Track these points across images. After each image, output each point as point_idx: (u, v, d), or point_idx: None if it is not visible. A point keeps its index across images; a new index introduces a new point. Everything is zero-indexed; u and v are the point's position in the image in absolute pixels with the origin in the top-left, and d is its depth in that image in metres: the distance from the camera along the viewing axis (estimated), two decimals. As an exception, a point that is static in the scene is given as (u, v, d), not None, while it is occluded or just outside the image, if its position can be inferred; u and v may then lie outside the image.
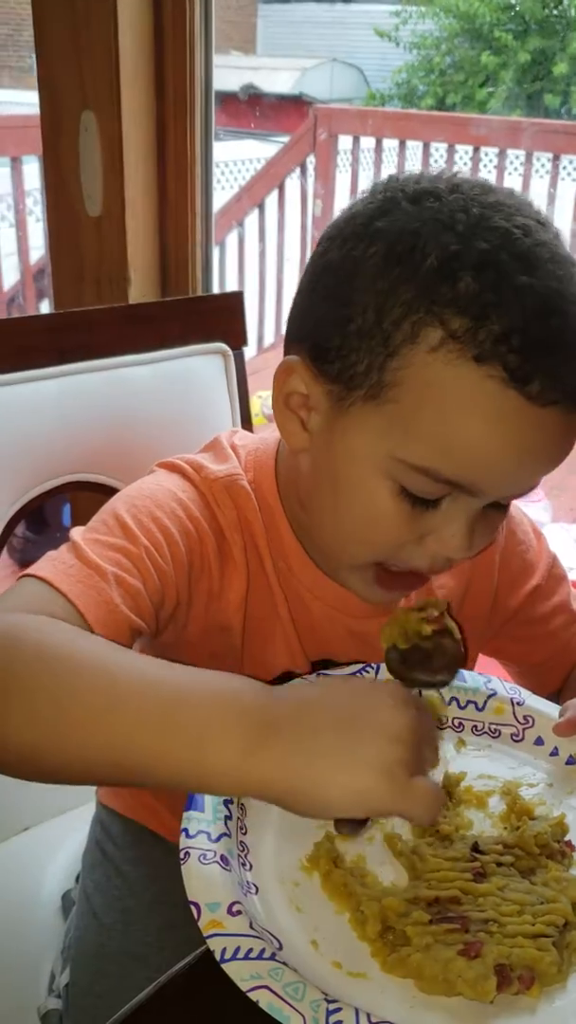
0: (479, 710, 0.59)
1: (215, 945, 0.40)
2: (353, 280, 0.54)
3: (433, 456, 0.52)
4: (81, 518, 0.61)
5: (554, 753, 0.57)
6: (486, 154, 3.54)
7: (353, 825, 0.45)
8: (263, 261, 3.62)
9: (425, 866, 0.46)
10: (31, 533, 1.96)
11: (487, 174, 3.56)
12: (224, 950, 0.40)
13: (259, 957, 0.40)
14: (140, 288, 1.06)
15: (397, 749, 0.44)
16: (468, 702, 0.59)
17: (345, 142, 3.83)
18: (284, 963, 0.40)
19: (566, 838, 0.50)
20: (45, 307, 3.23)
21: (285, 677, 0.61)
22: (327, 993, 0.39)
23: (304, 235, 3.90)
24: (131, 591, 0.54)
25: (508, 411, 0.50)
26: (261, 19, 10.09)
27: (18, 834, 0.96)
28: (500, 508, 0.57)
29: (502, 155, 3.43)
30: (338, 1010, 0.38)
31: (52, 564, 0.54)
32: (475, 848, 0.48)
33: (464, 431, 0.51)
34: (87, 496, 0.97)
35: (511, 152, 3.46)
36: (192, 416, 0.98)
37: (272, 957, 0.40)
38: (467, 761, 0.56)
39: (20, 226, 3.04)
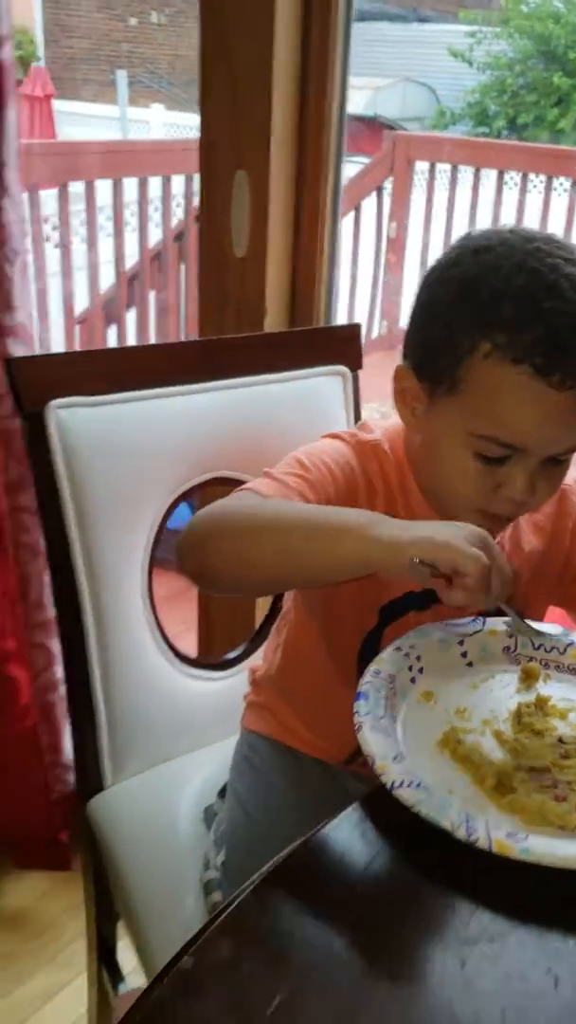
0: (561, 654, 0.78)
1: (386, 779, 0.61)
2: (435, 313, 0.79)
3: (491, 427, 0.75)
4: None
5: (620, 688, 0.76)
6: (560, 183, 3.69)
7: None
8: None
9: (524, 749, 0.66)
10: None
11: (559, 200, 3.72)
12: (393, 782, 0.60)
13: (417, 787, 0.60)
14: (273, 318, 1.28)
15: (471, 531, 0.67)
16: (552, 647, 0.78)
17: (421, 164, 4.00)
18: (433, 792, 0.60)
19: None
20: (131, 315, 3.46)
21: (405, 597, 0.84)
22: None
23: (377, 256, 4.08)
24: (306, 500, 0.78)
25: (537, 395, 0.73)
26: (336, 38, 10.24)
27: (157, 765, 1.15)
28: (558, 463, 0.79)
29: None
30: (474, 819, 0.58)
31: (253, 482, 0.79)
32: (560, 740, 0.67)
33: (509, 409, 0.75)
34: (221, 490, 1.17)
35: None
36: (316, 425, 1.17)
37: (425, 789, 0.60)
38: (552, 688, 0.75)
39: (117, 237, 3.29)
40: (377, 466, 0.85)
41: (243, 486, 0.81)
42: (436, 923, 0.55)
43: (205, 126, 1.23)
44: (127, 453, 1.04)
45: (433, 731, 0.68)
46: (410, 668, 0.73)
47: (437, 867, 0.59)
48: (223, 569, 0.74)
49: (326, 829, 0.61)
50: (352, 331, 1.20)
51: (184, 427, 1.09)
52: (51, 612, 1.47)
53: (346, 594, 0.84)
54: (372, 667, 0.71)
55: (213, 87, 1.21)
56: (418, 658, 0.74)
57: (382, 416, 0.96)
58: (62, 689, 1.53)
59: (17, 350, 1.34)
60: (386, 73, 9.47)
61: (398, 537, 0.66)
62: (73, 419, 0.99)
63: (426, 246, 3.97)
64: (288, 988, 0.49)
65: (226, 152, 1.22)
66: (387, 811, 0.61)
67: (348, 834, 0.62)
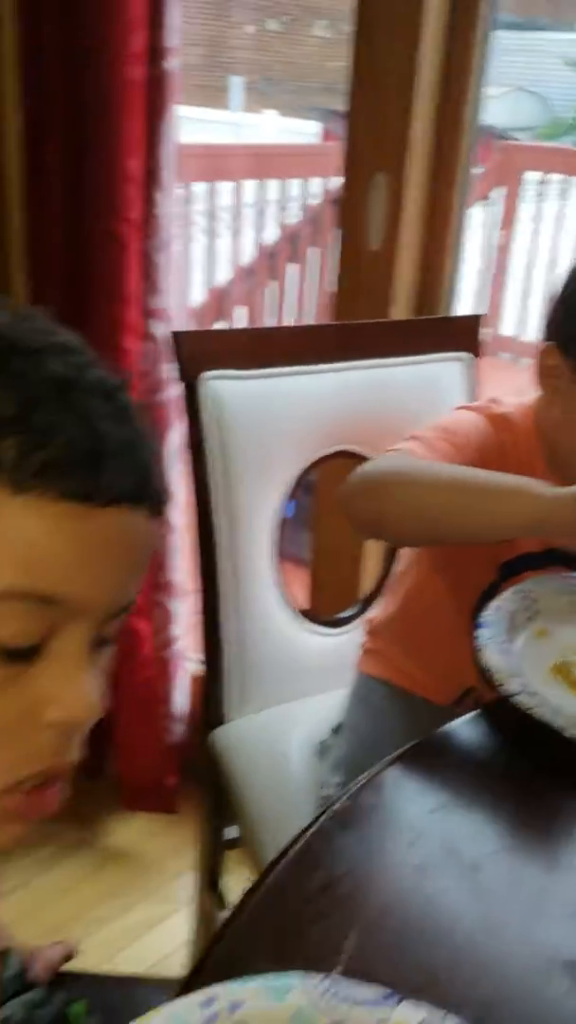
0: None
1: (506, 689, 0.71)
2: None
3: None
4: (333, 484, 0.94)
5: None
6: None
7: None
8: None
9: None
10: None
11: None
12: (512, 692, 0.70)
13: (533, 695, 0.70)
14: (401, 307, 1.38)
15: None
16: None
17: (531, 174, 4.03)
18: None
19: None
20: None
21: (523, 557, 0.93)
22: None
23: (485, 264, 4.12)
24: (453, 462, 0.88)
25: None
26: (449, 47, 10.22)
27: (273, 706, 1.26)
28: None
29: None
30: (582, 723, 0.68)
31: (402, 444, 0.89)
32: None
33: None
34: (343, 464, 1.28)
35: None
36: (436, 405, 1.26)
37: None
38: None
39: (235, 234, 3.45)
40: (510, 437, 0.95)
41: (393, 447, 0.90)
42: (550, 797, 0.65)
43: (350, 132, 1.35)
44: (267, 423, 1.16)
45: (547, 660, 0.78)
46: (527, 608, 0.83)
47: (550, 763, 0.69)
48: (393, 518, 0.84)
49: (449, 726, 0.72)
50: (473, 321, 1.29)
51: (316, 403, 1.20)
52: (171, 575, 1.61)
53: (470, 553, 0.94)
54: (494, 603, 0.81)
55: (360, 98, 1.32)
56: (535, 600, 0.83)
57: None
58: (177, 646, 1.67)
59: (160, 330, 1.48)
60: (498, 82, 9.40)
61: (564, 491, 0.75)
62: (224, 390, 1.12)
63: (533, 255, 4.01)
64: (430, 832, 0.59)
65: (367, 156, 1.33)
66: (504, 720, 0.71)
67: (469, 734, 0.73)
